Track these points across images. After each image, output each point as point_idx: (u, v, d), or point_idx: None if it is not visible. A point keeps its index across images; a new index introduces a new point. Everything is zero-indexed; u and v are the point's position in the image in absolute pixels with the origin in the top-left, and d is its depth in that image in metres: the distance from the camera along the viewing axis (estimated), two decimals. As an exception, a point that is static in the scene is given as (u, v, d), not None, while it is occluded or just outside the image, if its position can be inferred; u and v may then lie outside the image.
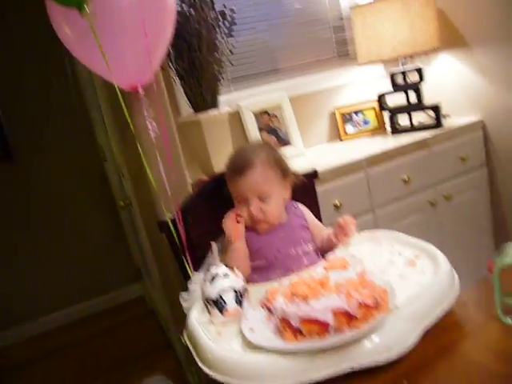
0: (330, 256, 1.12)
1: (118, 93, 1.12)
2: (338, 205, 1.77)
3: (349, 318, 0.78)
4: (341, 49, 2.35)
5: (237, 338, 0.88)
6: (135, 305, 3.25)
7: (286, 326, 0.81)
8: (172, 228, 1.12)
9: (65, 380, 2.53)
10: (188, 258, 1.13)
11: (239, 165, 1.15)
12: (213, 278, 0.93)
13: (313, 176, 1.41)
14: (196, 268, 1.21)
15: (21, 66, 2.82)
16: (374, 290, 0.85)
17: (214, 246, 0.94)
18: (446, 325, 0.89)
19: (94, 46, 1.08)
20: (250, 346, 0.83)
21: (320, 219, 1.37)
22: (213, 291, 0.92)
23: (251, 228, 1.18)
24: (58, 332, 3.08)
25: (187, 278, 1.17)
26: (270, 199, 1.15)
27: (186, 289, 1.16)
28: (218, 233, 1.19)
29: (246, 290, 0.95)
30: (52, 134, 2.97)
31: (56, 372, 2.61)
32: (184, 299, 1.12)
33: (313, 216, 1.29)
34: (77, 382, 2.48)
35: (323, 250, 1.24)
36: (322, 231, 1.26)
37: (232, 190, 1.17)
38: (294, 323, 0.79)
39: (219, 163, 1.69)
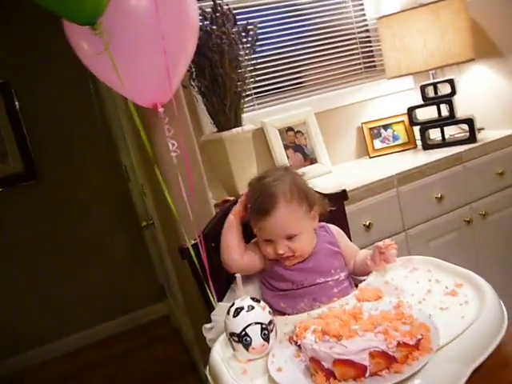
0: (363, 285, 1.05)
1: (133, 110, 1.07)
2: (368, 225, 1.69)
3: (387, 359, 0.70)
4: (367, 62, 2.28)
5: (263, 377, 0.81)
6: (160, 324, 3.20)
7: (316, 367, 0.73)
8: (193, 255, 1.06)
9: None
10: (211, 287, 1.07)
11: (262, 205, 1.06)
12: (237, 312, 0.86)
13: (342, 196, 1.34)
14: (220, 295, 1.15)
15: (45, 84, 2.84)
16: (414, 327, 0.77)
17: (239, 277, 0.88)
18: (496, 364, 0.80)
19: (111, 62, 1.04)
20: (278, 386, 0.76)
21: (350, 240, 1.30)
22: (237, 326, 0.85)
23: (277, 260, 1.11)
24: (82, 353, 3.04)
25: (210, 307, 1.11)
26: (298, 236, 1.07)
27: (209, 318, 1.10)
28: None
29: (272, 323, 0.88)
30: (77, 152, 2.97)
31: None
32: (207, 331, 1.06)
33: (346, 237, 1.22)
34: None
35: (356, 274, 1.17)
36: (355, 253, 1.18)
37: (256, 230, 1.10)
38: (326, 365, 0.72)
39: (243, 183, 1.63)
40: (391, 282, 1.05)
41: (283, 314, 1.05)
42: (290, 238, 1.06)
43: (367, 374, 0.70)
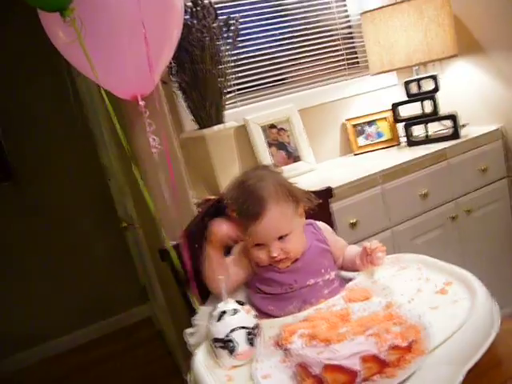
0: (350, 285, 1.02)
1: (106, 98, 1.01)
2: (354, 222, 1.66)
3: (379, 364, 0.67)
4: (350, 58, 2.26)
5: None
6: (142, 326, 3.15)
7: (304, 373, 0.70)
8: (174, 256, 1.02)
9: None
10: (194, 290, 1.02)
11: (251, 209, 1.00)
12: (220, 316, 0.82)
13: (327, 194, 1.30)
14: (203, 297, 1.11)
15: (19, 81, 2.76)
16: (405, 328, 0.74)
17: (222, 279, 0.83)
18: (489, 363, 0.78)
19: (89, 51, 0.98)
20: (264, 395, 0.72)
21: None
22: (221, 331, 0.81)
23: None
24: (63, 357, 2.97)
25: (192, 311, 1.07)
26: (289, 236, 1.04)
27: (191, 322, 1.05)
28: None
29: (258, 327, 0.84)
30: (54, 152, 2.90)
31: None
32: (189, 336, 1.02)
33: (333, 234, 1.18)
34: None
35: (345, 269, 1.13)
36: (344, 248, 1.16)
37: (245, 236, 1.04)
38: (315, 371, 0.68)
39: (226, 181, 1.59)
40: (379, 281, 1.02)
41: (270, 316, 1.01)
42: (281, 238, 1.02)
43: (359, 379, 0.66)
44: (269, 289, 1.06)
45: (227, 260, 1.09)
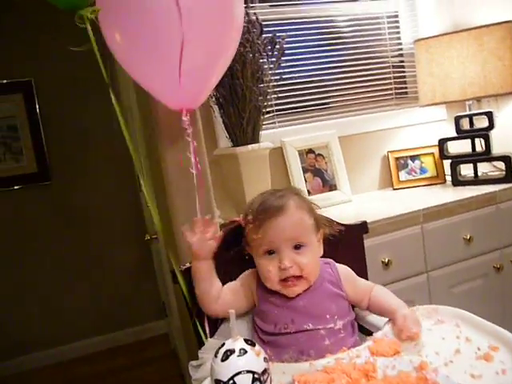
0: (378, 335, 0.90)
1: (117, 108, 0.95)
2: (387, 262, 1.53)
3: None
4: (399, 87, 2.15)
5: None
6: (157, 343, 3.07)
7: None
8: (182, 281, 0.93)
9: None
10: (203, 320, 0.93)
11: (270, 207, 0.94)
12: (226, 356, 0.72)
13: (362, 228, 1.19)
14: (213, 327, 1.01)
15: (64, 83, 2.79)
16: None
17: (233, 313, 0.74)
18: None
19: (144, 53, 0.93)
20: None
21: (366, 278, 1.14)
22: (225, 373, 0.71)
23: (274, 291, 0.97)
24: (76, 363, 2.93)
25: (201, 340, 0.97)
26: (305, 248, 0.94)
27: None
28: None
29: (267, 372, 0.74)
30: (92, 157, 2.91)
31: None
32: (193, 369, 0.92)
33: (357, 279, 1.04)
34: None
35: (373, 312, 1.02)
36: (369, 290, 1.02)
37: (257, 239, 0.95)
38: None
39: (254, 204, 1.51)
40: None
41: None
42: (297, 247, 0.93)
43: None
44: (263, 325, 0.96)
45: (228, 286, 1.01)
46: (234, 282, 1.02)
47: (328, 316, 0.94)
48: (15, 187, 2.82)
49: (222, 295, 0.98)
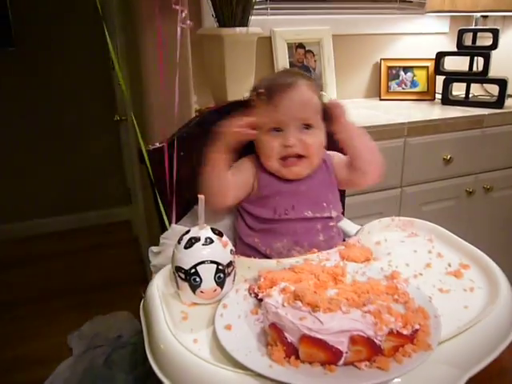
0: (351, 240, 0.86)
1: None
2: (364, 172, 1.49)
3: (372, 349, 0.53)
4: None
5: (206, 330, 0.64)
6: (121, 228, 3.05)
7: (277, 337, 0.55)
8: (147, 162, 0.85)
9: (33, 289, 2.35)
10: (170, 203, 0.87)
11: (280, 82, 0.90)
12: (190, 243, 0.66)
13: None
14: (178, 216, 0.96)
15: None
16: (409, 310, 0.59)
17: (202, 199, 0.67)
18: (492, 370, 0.64)
19: None
20: (222, 349, 0.58)
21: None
22: (187, 260, 0.66)
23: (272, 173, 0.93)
24: (36, 240, 2.89)
25: (164, 227, 0.92)
26: (313, 130, 0.91)
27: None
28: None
29: (232, 265, 0.69)
30: (61, 29, 2.63)
31: (29, 279, 2.44)
32: (153, 255, 0.87)
33: (344, 158, 1.00)
34: (36, 298, 2.30)
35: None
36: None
37: (264, 115, 0.89)
38: (290, 338, 0.54)
39: (235, 92, 1.40)
40: (384, 243, 0.87)
41: (251, 254, 0.87)
42: (305, 127, 0.90)
43: (341, 361, 0.52)
44: (260, 211, 0.92)
45: (233, 176, 0.93)
46: (235, 166, 0.94)
47: (325, 204, 0.93)
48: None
49: (232, 186, 0.91)
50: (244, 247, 0.92)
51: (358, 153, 0.94)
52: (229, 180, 0.90)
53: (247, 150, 0.95)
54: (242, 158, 0.97)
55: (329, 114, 0.92)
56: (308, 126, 0.90)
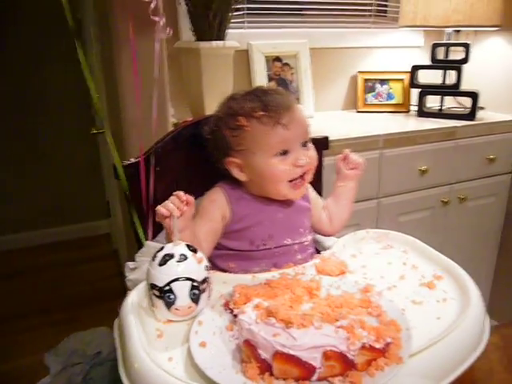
0: (326, 253, 0.87)
1: None
2: (341, 183, 1.50)
3: (344, 364, 0.53)
4: (380, 5, 2.01)
5: (181, 348, 0.64)
6: (101, 241, 3.02)
7: (251, 354, 0.55)
8: (122, 177, 0.85)
9: (9, 305, 2.30)
10: (148, 217, 0.86)
11: (280, 104, 0.85)
12: (164, 260, 0.66)
13: (323, 144, 1.13)
14: (155, 232, 0.95)
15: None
16: (382, 324, 0.60)
17: (175, 216, 0.67)
18: (464, 380, 0.66)
19: None
20: (196, 367, 0.58)
21: (321, 194, 1.12)
22: (161, 278, 0.66)
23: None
24: (16, 254, 2.84)
25: (140, 243, 0.91)
26: (309, 144, 0.90)
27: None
28: (191, 190, 0.91)
29: (207, 281, 0.69)
30: (37, 42, 2.61)
31: (4, 295, 2.39)
32: (129, 270, 0.87)
33: (315, 192, 1.03)
34: (13, 315, 2.25)
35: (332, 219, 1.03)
36: (321, 205, 1.02)
37: (265, 138, 0.84)
38: (264, 355, 0.54)
39: (212, 105, 1.40)
40: (360, 256, 0.88)
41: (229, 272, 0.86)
42: (304, 145, 0.88)
43: (314, 377, 0.53)
44: (235, 244, 0.89)
45: (205, 225, 0.87)
46: (203, 221, 0.87)
47: (301, 230, 0.93)
48: None
49: (203, 238, 0.85)
50: (214, 269, 0.84)
51: (344, 208, 0.99)
52: (199, 238, 0.82)
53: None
54: (211, 192, 0.92)
55: (347, 165, 0.97)
56: (306, 142, 0.89)
